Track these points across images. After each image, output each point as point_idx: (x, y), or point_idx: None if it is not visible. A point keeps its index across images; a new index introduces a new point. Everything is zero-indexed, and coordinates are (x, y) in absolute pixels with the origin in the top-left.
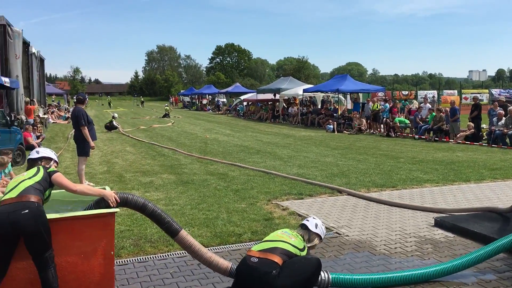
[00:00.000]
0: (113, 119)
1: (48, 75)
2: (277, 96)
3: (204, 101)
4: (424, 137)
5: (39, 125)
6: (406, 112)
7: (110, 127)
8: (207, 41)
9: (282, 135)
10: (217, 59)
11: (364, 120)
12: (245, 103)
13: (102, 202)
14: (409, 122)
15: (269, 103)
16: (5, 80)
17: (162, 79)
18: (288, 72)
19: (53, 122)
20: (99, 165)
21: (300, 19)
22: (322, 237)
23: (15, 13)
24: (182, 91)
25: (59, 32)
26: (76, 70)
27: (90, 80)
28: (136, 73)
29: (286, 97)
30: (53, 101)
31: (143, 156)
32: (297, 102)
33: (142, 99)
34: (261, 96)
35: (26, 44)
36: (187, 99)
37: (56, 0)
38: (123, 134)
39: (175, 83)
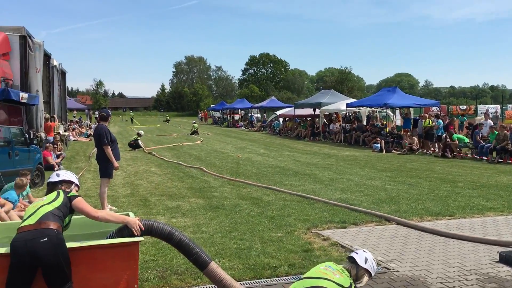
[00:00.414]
0: (138, 137)
1: (69, 89)
2: (317, 111)
3: (236, 117)
4: (485, 158)
5: (59, 143)
6: (465, 129)
7: (135, 145)
8: (240, 51)
9: (322, 155)
10: (250, 71)
11: (415, 139)
12: (281, 119)
13: (125, 230)
14: (469, 140)
15: (308, 119)
16: (23, 96)
17: (190, 93)
18: (329, 85)
19: (74, 140)
20: (122, 187)
21: (343, 26)
22: (372, 274)
23: (36, 22)
24: (212, 105)
25: (82, 42)
26: (99, 84)
27: (113, 93)
28: (163, 86)
29: (327, 113)
30: (74, 116)
31: (170, 177)
32: (340, 118)
33: (168, 117)
34: (299, 111)
35: (47, 57)
36: (217, 114)
37: (80, 9)
38: (148, 153)
39: (204, 97)
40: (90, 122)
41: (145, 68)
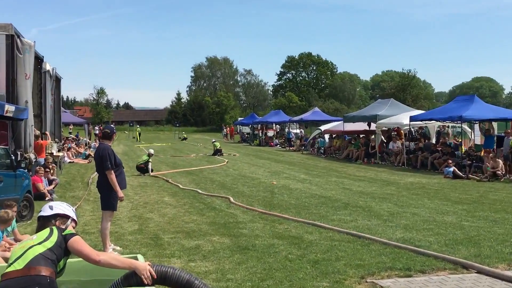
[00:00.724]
0: (149, 158)
1: (64, 99)
2: (373, 126)
3: (270, 133)
4: None
5: (52, 166)
6: None
7: (145, 169)
8: (275, 51)
9: (380, 182)
10: (288, 75)
11: (500, 161)
12: (327, 136)
13: (133, 277)
14: None
15: (361, 136)
16: (8, 109)
17: (213, 103)
18: (388, 92)
19: (70, 162)
20: (128, 222)
21: (405, 19)
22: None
23: (25, 18)
24: (240, 118)
25: (80, 42)
26: (101, 92)
27: (118, 104)
28: (179, 94)
29: (385, 128)
30: (70, 133)
31: (187, 209)
32: (402, 134)
33: (185, 134)
34: (350, 126)
35: (39, 60)
36: (246, 129)
37: (78, 1)
38: (160, 179)
39: (230, 108)
40: (90, 139)
41: (156, 72)
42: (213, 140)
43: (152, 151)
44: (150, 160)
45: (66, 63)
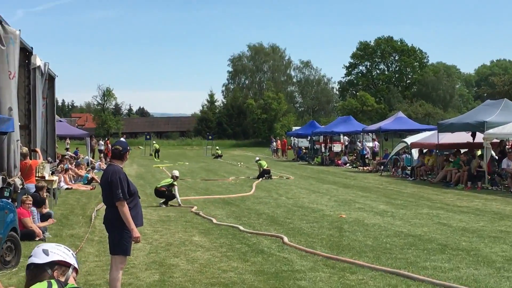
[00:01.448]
0: (173, 182)
1: (59, 103)
2: (479, 137)
3: (337, 147)
4: None
5: (44, 195)
6: None
7: (167, 195)
8: (342, 36)
9: (490, 215)
10: (360, 68)
11: None
12: (415, 151)
13: None
14: None
15: (463, 151)
16: None
17: (258, 107)
18: (500, 90)
19: (67, 188)
20: (146, 271)
21: None
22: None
23: None
24: (295, 128)
25: (79, 27)
26: (107, 94)
27: (130, 110)
28: (211, 96)
29: (496, 140)
30: (67, 149)
31: (224, 253)
32: None
33: (219, 151)
34: (447, 138)
35: (26, 53)
36: (304, 143)
37: None
38: (187, 210)
39: (282, 114)
40: (93, 158)
41: (181, 68)
42: (257, 159)
43: (176, 172)
44: (176, 183)
45: (61, 56)
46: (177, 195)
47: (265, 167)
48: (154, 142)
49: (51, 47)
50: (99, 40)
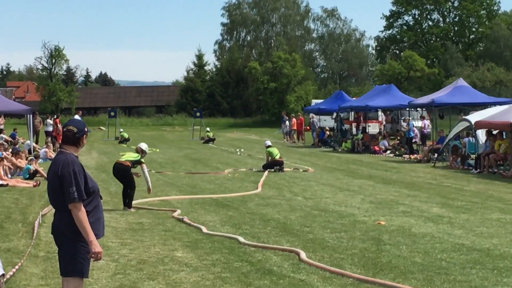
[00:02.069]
0: (140, 159)
1: None
2: None
3: (374, 128)
4: None
5: None
6: None
7: (129, 179)
8: None
9: None
10: (405, 18)
11: None
12: (481, 133)
13: None
14: None
15: None
16: None
17: (264, 72)
18: None
19: (2, 185)
20: None
21: None
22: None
23: None
24: (315, 101)
25: None
26: (56, 54)
27: (88, 77)
28: (200, 57)
29: None
30: (0, 130)
31: (219, 274)
32: None
33: (210, 133)
34: None
35: None
36: (327, 122)
37: None
38: (166, 215)
39: (297, 82)
40: (37, 143)
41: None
42: (267, 143)
43: (143, 145)
44: (143, 161)
45: None
46: (148, 177)
47: (276, 157)
48: (121, 130)
49: None
50: None
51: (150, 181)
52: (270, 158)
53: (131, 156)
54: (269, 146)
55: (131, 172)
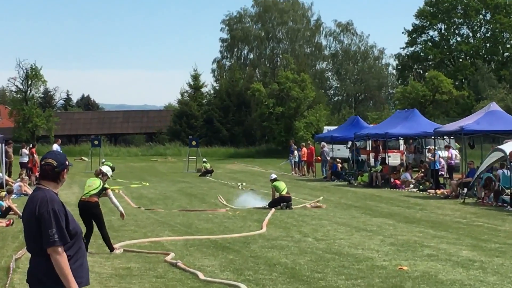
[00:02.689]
0: (104, 185)
1: None
2: None
3: (395, 158)
4: None
5: None
6: None
7: (97, 214)
8: None
9: None
10: (430, 32)
11: None
12: None
13: None
14: None
15: None
16: None
17: (269, 94)
18: None
19: None
20: None
21: None
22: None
23: None
24: (327, 128)
25: None
26: (32, 75)
27: (68, 99)
28: (196, 78)
29: None
30: None
31: None
32: None
33: (207, 164)
34: None
35: None
36: (341, 151)
37: None
38: (157, 259)
39: (307, 106)
40: (10, 176)
41: (147, 34)
42: (273, 177)
43: (105, 168)
44: (107, 186)
45: None
46: (116, 202)
47: (283, 193)
48: (103, 160)
49: None
50: None
51: (120, 205)
52: (276, 193)
53: (93, 187)
54: (275, 180)
55: (100, 208)
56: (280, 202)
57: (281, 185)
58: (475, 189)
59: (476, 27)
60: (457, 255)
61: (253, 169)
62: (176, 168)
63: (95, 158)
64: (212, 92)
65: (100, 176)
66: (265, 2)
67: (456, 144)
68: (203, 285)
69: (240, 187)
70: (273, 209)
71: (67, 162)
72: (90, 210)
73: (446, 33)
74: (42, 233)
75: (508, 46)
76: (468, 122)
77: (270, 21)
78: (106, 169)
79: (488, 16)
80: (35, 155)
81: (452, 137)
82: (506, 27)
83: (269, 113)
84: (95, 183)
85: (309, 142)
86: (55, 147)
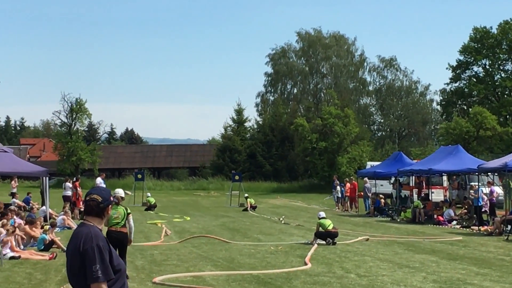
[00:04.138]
0: (127, 211)
1: (1, 123)
2: None
3: (438, 195)
4: None
5: None
6: None
7: (124, 242)
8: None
9: None
10: (474, 68)
11: None
12: None
13: None
14: None
15: None
16: None
17: (312, 129)
18: None
19: (13, 257)
20: None
21: None
22: None
23: None
24: (370, 164)
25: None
26: (77, 108)
27: (112, 133)
28: (239, 112)
29: None
30: (13, 194)
31: None
32: None
33: (251, 199)
34: None
35: None
36: (385, 187)
37: None
38: None
39: (350, 141)
40: (53, 210)
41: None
42: (321, 215)
43: (120, 192)
44: (129, 211)
45: (6, 52)
46: (132, 227)
47: (330, 228)
48: (148, 194)
49: None
50: (65, 30)
51: (133, 231)
52: (321, 228)
53: (121, 217)
54: (323, 217)
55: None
56: (327, 237)
57: (327, 222)
58: None
59: None
60: None
61: (296, 204)
62: (219, 203)
63: (139, 192)
64: (255, 126)
65: (116, 201)
66: (309, 37)
67: (500, 181)
68: None
69: (282, 222)
70: (316, 244)
71: (111, 198)
72: (123, 240)
73: (490, 69)
74: (86, 268)
75: None
76: None
77: (314, 56)
78: (122, 193)
79: None
80: (78, 189)
81: (496, 174)
82: None
83: (312, 148)
84: (120, 213)
85: (352, 177)
86: (99, 180)
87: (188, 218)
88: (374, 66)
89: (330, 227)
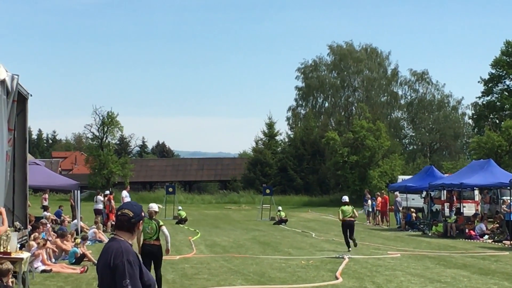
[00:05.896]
0: (159, 224)
1: (34, 136)
2: None
3: (469, 209)
4: None
5: (9, 283)
6: None
7: (159, 255)
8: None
9: None
10: (506, 82)
11: None
12: None
13: None
14: None
15: None
16: None
17: (343, 143)
18: None
19: (45, 270)
20: None
21: None
22: None
23: None
24: (401, 178)
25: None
26: (109, 121)
27: (143, 146)
28: (271, 126)
29: None
30: (45, 207)
31: None
32: None
33: (282, 212)
34: None
35: None
36: (416, 201)
37: None
38: None
39: (382, 155)
40: (85, 223)
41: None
42: (344, 199)
43: (155, 206)
44: (162, 223)
45: (38, 67)
46: (168, 237)
47: (346, 216)
48: (180, 207)
49: (23, 55)
50: (96, 43)
51: (170, 241)
52: (341, 215)
53: (154, 232)
54: (345, 203)
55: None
56: (347, 242)
57: (347, 209)
58: None
59: None
60: None
61: (327, 218)
62: (249, 216)
63: (170, 205)
64: (286, 140)
65: (150, 216)
66: (340, 51)
67: None
68: None
69: (313, 235)
70: (347, 258)
71: (143, 214)
72: (156, 253)
73: None
74: (116, 283)
75: None
76: None
77: (345, 70)
78: (155, 206)
79: None
80: (112, 201)
81: None
82: None
83: (343, 161)
84: (153, 227)
85: (383, 191)
86: (124, 194)
87: (199, 233)
88: (406, 79)
89: (348, 216)
